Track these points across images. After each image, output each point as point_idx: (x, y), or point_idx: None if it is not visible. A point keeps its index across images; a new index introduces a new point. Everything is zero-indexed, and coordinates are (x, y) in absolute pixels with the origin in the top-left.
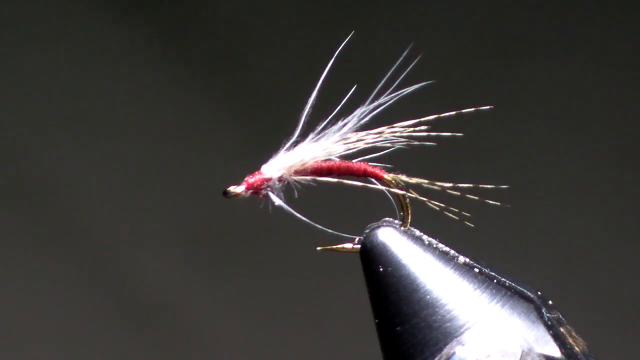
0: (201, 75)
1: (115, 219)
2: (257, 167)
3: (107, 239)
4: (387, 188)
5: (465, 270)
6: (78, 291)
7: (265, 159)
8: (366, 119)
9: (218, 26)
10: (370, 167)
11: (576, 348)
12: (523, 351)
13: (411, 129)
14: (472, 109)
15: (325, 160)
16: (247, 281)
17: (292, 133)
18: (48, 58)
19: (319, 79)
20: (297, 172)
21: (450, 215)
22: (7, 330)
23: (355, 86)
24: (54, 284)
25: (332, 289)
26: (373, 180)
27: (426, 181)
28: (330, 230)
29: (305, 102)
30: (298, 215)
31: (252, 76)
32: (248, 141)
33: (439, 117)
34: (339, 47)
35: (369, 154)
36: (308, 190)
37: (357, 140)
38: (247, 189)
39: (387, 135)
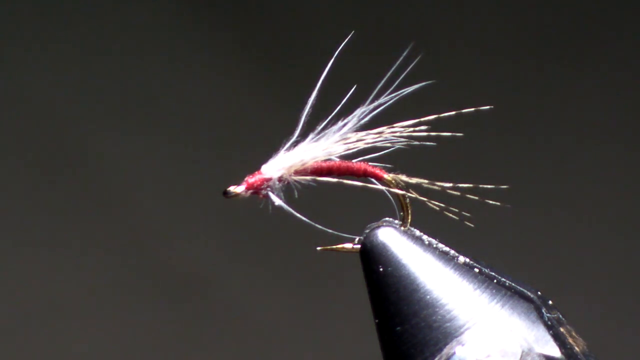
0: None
1: (155, 196)
2: (257, 167)
3: (147, 216)
4: (387, 188)
5: (465, 270)
6: (117, 267)
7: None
8: (366, 119)
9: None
10: (370, 167)
11: (576, 348)
12: (523, 351)
13: (411, 129)
14: (472, 109)
15: (325, 160)
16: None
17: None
18: (85, 37)
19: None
20: (297, 172)
21: (450, 215)
22: (49, 306)
23: (355, 86)
24: (94, 261)
25: (333, 289)
26: (373, 180)
27: (426, 181)
28: (330, 230)
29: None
30: (298, 215)
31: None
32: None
33: (439, 117)
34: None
35: (369, 154)
36: (308, 190)
37: (357, 140)
38: (247, 189)
39: (387, 135)
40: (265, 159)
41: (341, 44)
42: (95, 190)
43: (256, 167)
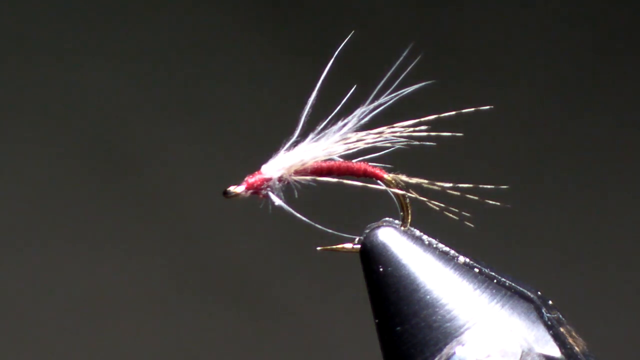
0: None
1: (208, 196)
2: (257, 167)
3: (198, 214)
4: (387, 188)
5: (465, 270)
6: (169, 266)
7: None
8: (366, 119)
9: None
10: (370, 167)
11: (576, 348)
12: (523, 351)
13: (411, 129)
14: (472, 109)
15: (325, 160)
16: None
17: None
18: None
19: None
20: (297, 172)
21: (450, 215)
22: (100, 303)
23: (355, 86)
24: (147, 259)
25: (333, 289)
26: (373, 180)
27: (426, 181)
28: (330, 230)
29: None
30: (298, 215)
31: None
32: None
33: (439, 117)
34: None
35: (369, 154)
36: (308, 190)
37: (357, 140)
38: (247, 189)
39: (387, 135)
40: (265, 159)
41: (341, 44)
42: (147, 191)
43: (256, 167)
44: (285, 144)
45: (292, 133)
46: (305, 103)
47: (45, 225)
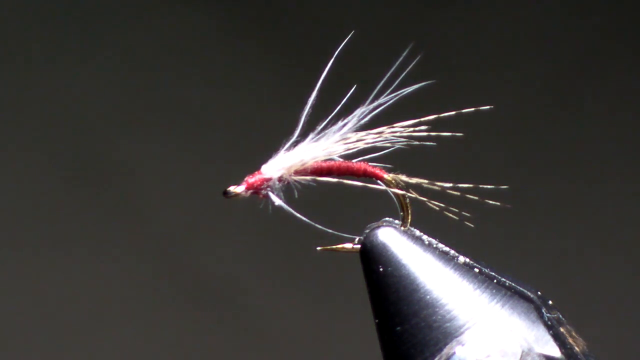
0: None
1: (186, 204)
2: (257, 167)
3: (176, 223)
4: (387, 188)
5: (465, 270)
6: (147, 274)
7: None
8: (366, 119)
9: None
10: (370, 167)
11: (576, 348)
12: (523, 351)
13: (411, 129)
14: (472, 109)
15: (325, 160)
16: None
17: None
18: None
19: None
20: (297, 172)
21: (450, 215)
22: (78, 314)
23: (355, 86)
24: (123, 267)
25: (332, 289)
26: (373, 180)
27: (426, 181)
28: (330, 230)
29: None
30: (298, 215)
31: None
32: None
33: (439, 117)
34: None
35: (369, 154)
36: (308, 190)
37: (357, 140)
38: (247, 189)
39: (387, 135)
40: (265, 159)
41: (341, 43)
42: (119, 196)
43: (256, 167)
44: (285, 144)
45: (292, 133)
46: (305, 103)
47: (22, 232)
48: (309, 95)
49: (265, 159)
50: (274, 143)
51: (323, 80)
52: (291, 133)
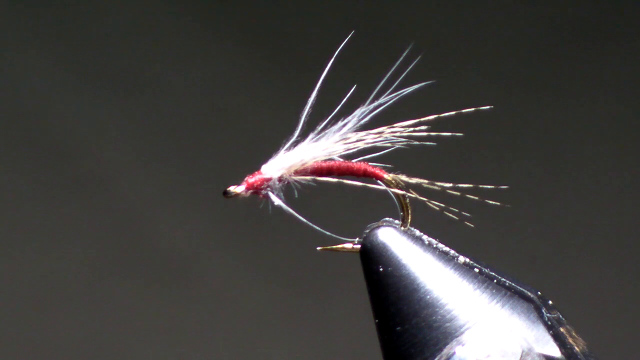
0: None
1: (140, 179)
2: (257, 167)
3: (130, 198)
4: (387, 188)
5: (465, 270)
6: (99, 249)
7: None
8: (366, 119)
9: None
10: (370, 167)
11: (576, 348)
12: (523, 351)
13: (411, 129)
14: (472, 109)
15: (325, 160)
16: (260, 253)
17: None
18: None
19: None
20: (297, 172)
21: (450, 215)
22: (32, 289)
23: (355, 86)
24: (75, 242)
25: (332, 289)
26: (373, 180)
27: (426, 181)
28: (328, 233)
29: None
30: (298, 215)
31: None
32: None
33: (439, 117)
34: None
35: (369, 154)
36: (308, 190)
37: (357, 140)
38: (247, 189)
39: (387, 135)
40: (265, 159)
41: (341, 43)
42: (77, 172)
43: (256, 167)
44: (285, 144)
45: (292, 133)
46: (305, 103)
47: None
48: (309, 95)
49: (265, 159)
50: (274, 143)
51: (323, 80)
52: (291, 133)
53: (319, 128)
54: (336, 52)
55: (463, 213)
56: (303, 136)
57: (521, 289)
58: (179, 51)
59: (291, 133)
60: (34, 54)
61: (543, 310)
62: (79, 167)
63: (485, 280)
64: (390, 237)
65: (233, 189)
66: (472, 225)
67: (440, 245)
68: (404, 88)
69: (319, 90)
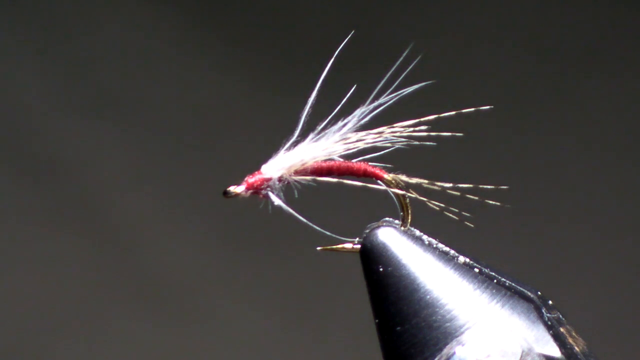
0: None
1: (136, 200)
2: (257, 167)
3: (126, 220)
4: (387, 188)
5: (465, 270)
6: (94, 271)
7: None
8: (366, 119)
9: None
10: (370, 167)
11: (576, 348)
12: (523, 351)
13: (411, 129)
14: (472, 109)
15: (325, 160)
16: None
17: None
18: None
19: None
20: (297, 172)
21: (450, 215)
22: (24, 311)
23: (355, 86)
24: (70, 265)
25: (332, 289)
26: (373, 180)
27: (426, 181)
28: (328, 233)
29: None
30: (298, 215)
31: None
32: (275, 123)
33: (439, 117)
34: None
35: (369, 154)
36: (308, 190)
37: (357, 140)
38: (247, 189)
39: (387, 135)
40: (265, 159)
41: (341, 43)
42: (72, 193)
43: (256, 167)
44: (285, 144)
45: (292, 133)
46: (305, 103)
47: None
48: (309, 95)
49: (265, 159)
50: (274, 143)
51: (323, 80)
52: (291, 133)
53: (319, 128)
54: (336, 52)
55: (463, 213)
56: (303, 136)
57: (521, 289)
58: (177, 52)
59: (291, 133)
60: (28, 73)
61: (543, 310)
62: (72, 188)
63: (485, 280)
64: (390, 237)
65: (233, 189)
66: (472, 225)
67: (440, 245)
68: (404, 88)
69: (319, 90)
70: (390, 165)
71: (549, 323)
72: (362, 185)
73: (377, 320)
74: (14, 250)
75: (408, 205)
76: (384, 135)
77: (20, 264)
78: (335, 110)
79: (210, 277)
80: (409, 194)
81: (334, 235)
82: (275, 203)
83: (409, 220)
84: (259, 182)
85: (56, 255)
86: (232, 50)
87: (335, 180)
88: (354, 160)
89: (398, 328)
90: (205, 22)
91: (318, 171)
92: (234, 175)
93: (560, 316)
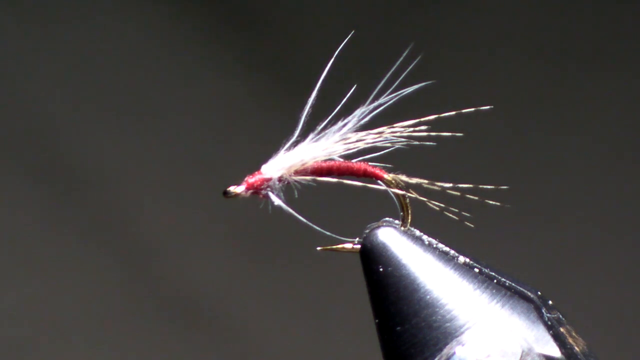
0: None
1: (159, 212)
2: (257, 167)
3: (150, 232)
4: (387, 188)
5: (465, 270)
6: (117, 283)
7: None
8: (366, 119)
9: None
10: (370, 167)
11: (576, 348)
12: (523, 351)
13: (411, 129)
14: (472, 109)
15: (325, 160)
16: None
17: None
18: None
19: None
20: (297, 172)
21: (450, 215)
22: (47, 323)
23: (355, 86)
24: (94, 277)
25: (332, 289)
26: (373, 180)
27: (426, 181)
28: (328, 233)
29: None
30: (298, 215)
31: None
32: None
33: (439, 117)
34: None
35: (369, 154)
36: (308, 190)
37: (357, 140)
38: (247, 189)
39: (387, 135)
40: (265, 159)
41: (341, 44)
42: (96, 204)
43: (256, 167)
44: (285, 144)
45: (292, 133)
46: (305, 103)
47: None
48: (309, 95)
49: (265, 159)
50: (274, 143)
51: (323, 80)
52: (291, 133)
53: (319, 128)
54: (336, 52)
55: (463, 213)
56: (303, 136)
57: (521, 289)
58: (177, 52)
59: (291, 133)
60: (52, 79)
61: (543, 310)
62: (93, 197)
63: (485, 280)
64: (390, 237)
65: (233, 189)
66: (472, 225)
67: (440, 245)
68: (404, 88)
69: (319, 90)
70: (390, 165)
71: (549, 323)
72: (362, 185)
73: (377, 320)
74: (33, 261)
75: (408, 205)
76: (384, 135)
77: (42, 274)
78: (335, 110)
79: (233, 289)
80: (409, 194)
81: (334, 235)
82: (275, 203)
83: (409, 220)
84: (259, 182)
85: (78, 266)
86: (232, 50)
87: (335, 180)
88: (354, 160)
89: (398, 328)
90: (205, 21)
91: (318, 171)
92: (234, 175)
93: (560, 316)
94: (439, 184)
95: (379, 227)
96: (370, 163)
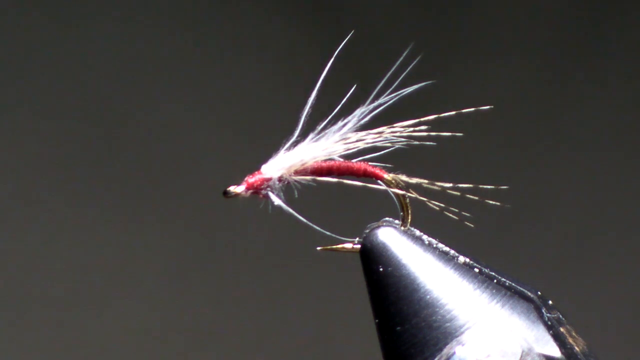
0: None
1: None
2: (257, 167)
3: (201, 206)
4: (387, 188)
5: (465, 270)
6: (172, 255)
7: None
8: (366, 119)
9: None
10: (370, 167)
11: (576, 348)
12: (523, 351)
13: (411, 129)
14: (472, 109)
15: (325, 160)
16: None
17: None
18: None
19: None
20: (297, 172)
21: (450, 215)
22: (102, 290)
23: (355, 86)
24: (149, 248)
25: (332, 289)
26: (373, 180)
27: (426, 181)
28: (328, 233)
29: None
30: (298, 215)
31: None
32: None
33: (439, 117)
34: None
35: (369, 154)
36: (308, 190)
37: (357, 140)
38: (247, 189)
39: (387, 135)
40: (265, 159)
41: (341, 44)
42: (150, 180)
43: (256, 167)
44: (285, 144)
45: (292, 133)
46: (305, 103)
47: (45, 211)
48: (309, 95)
49: (265, 159)
50: (274, 143)
51: (323, 80)
52: (291, 133)
53: (319, 128)
54: (336, 52)
55: (463, 213)
56: (303, 136)
57: (521, 289)
58: (177, 52)
59: (291, 133)
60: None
61: (543, 310)
62: (150, 171)
63: (485, 280)
64: (390, 237)
65: (233, 189)
66: (472, 225)
67: (440, 245)
68: (404, 88)
69: (319, 90)
70: (390, 165)
71: (549, 323)
72: (362, 185)
73: (377, 320)
74: (86, 229)
75: (408, 205)
76: (384, 135)
77: (94, 243)
78: (335, 110)
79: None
80: (409, 194)
81: (334, 235)
82: (275, 203)
83: (409, 220)
84: (259, 182)
85: (130, 236)
86: (231, 50)
87: (335, 180)
88: (354, 160)
89: (398, 328)
90: (204, 21)
91: (318, 171)
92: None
93: (560, 316)
94: (439, 184)
95: (379, 227)
96: (370, 163)
